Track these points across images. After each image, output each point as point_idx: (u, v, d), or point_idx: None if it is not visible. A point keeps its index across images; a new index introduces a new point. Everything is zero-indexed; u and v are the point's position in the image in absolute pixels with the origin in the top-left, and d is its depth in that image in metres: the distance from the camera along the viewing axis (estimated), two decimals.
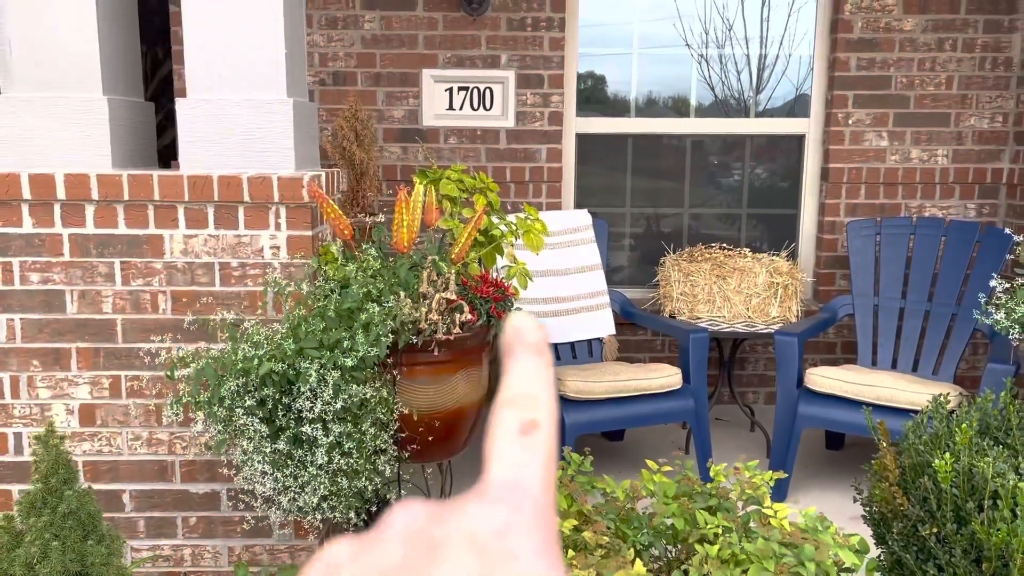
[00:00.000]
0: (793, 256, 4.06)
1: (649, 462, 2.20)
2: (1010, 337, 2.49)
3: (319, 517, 2.15)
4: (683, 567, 1.97)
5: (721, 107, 4.08)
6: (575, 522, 1.97)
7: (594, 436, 3.83)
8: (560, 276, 3.63)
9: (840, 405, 3.13)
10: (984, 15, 3.76)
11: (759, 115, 4.08)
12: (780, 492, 3.18)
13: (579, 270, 3.66)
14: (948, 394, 2.30)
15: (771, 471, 2.42)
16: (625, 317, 3.70)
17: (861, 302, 3.63)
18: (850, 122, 3.86)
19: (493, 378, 2.61)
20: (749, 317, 3.67)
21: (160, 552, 2.44)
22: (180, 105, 2.32)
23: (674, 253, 3.89)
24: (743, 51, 4.05)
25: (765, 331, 3.53)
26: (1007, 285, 2.54)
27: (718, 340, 3.75)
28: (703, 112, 4.07)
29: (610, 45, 4.06)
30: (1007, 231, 2.89)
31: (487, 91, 3.84)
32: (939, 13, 3.76)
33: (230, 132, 2.32)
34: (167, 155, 3.72)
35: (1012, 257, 3.03)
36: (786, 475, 2.33)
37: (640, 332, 4.06)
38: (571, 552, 1.91)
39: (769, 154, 4.13)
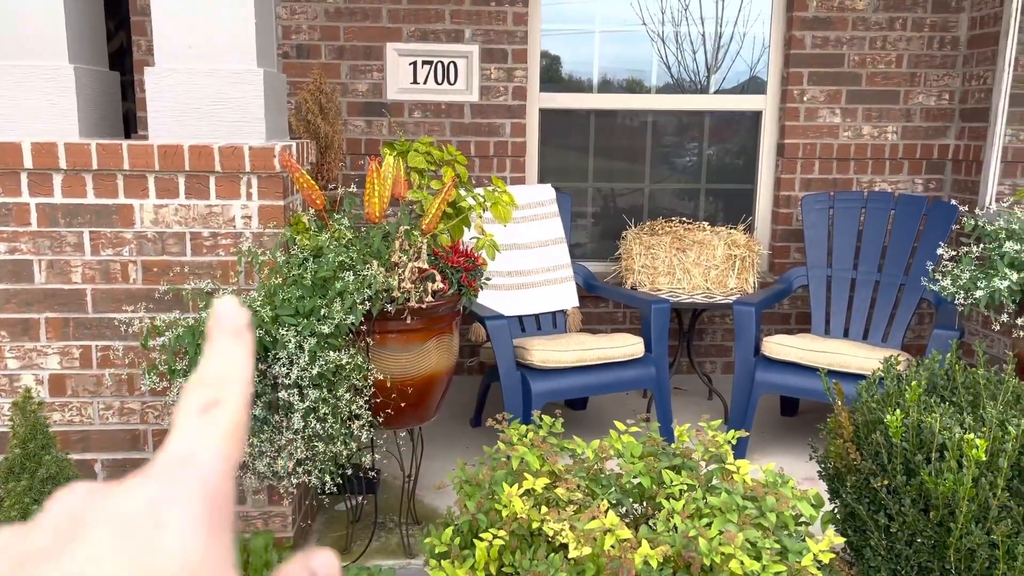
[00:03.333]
0: (750, 229, 4.17)
1: (617, 423, 2.28)
2: (955, 302, 2.62)
3: (294, 482, 2.19)
4: (650, 522, 2.06)
5: (678, 86, 4.16)
6: (546, 480, 2.04)
7: (558, 405, 3.91)
8: (525, 249, 3.69)
9: (795, 371, 3.26)
10: None
11: (719, 93, 4.17)
12: (739, 455, 3.30)
13: (543, 243, 3.72)
14: (898, 355, 2.42)
15: (739, 431, 2.52)
16: (588, 290, 3.78)
17: (815, 273, 3.75)
18: (805, 99, 3.97)
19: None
20: (708, 289, 3.78)
21: None
22: (148, 74, 2.31)
23: (635, 227, 3.97)
24: (699, 31, 4.12)
25: (724, 302, 3.64)
26: (953, 253, 2.67)
27: (678, 311, 3.85)
28: (661, 91, 4.15)
29: (572, 22, 4.11)
30: (952, 202, 3.02)
31: (451, 65, 3.86)
32: None
33: (200, 102, 2.32)
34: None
35: (957, 228, 3.17)
36: (747, 434, 2.43)
37: (602, 304, 4.15)
38: (544, 508, 1.98)
39: (727, 131, 4.23)
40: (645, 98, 4.12)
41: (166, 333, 2.11)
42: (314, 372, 2.07)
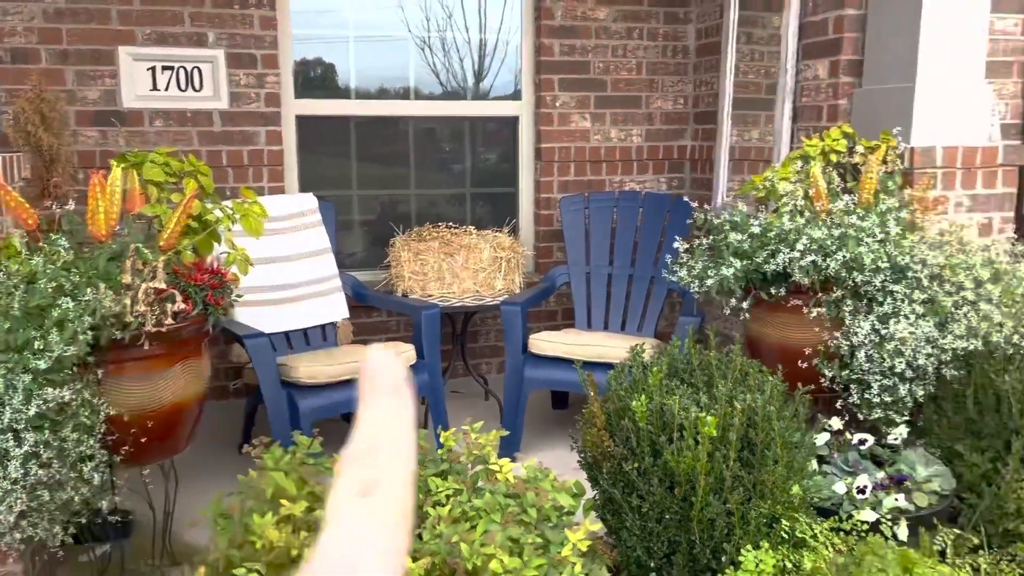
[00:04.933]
0: (515, 232, 4.29)
1: None
2: (691, 291, 2.83)
3: (18, 537, 1.94)
4: (417, 532, 2.04)
5: (451, 93, 4.19)
6: (306, 503, 1.96)
7: (334, 420, 3.80)
8: (288, 262, 3.54)
9: (561, 366, 3.38)
10: (663, 7, 4.20)
11: (494, 99, 4.25)
12: (512, 451, 3.37)
13: (308, 255, 3.60)
14: (644, 344, 2.57)
15: (501, 431, 2.56)
16: (358, 300, 3.70)
17: (575, 271, 3.93)
18: (557, 104, 4.14)
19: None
20: (477, 291, 3.83)
21: None
22: None
23: (404, 234, 3.95)
24: (464, 38, 4.18)
25: (492, 303, 3.70)
26: (687, 246, 2.88)
27: (450, 315, 3.88)
28: (429, 98, 4.16)
29: (329, 28, 4.01)
30: (686, 199, 3.28)
31: (195, 71, 3.63)
32: (626, 4, 4.14)
33: None
34: None
35: (691, 222, 3.44)
36: (508, 432, 2.47)
37: (375, 314, 4.09)
38: (303, 533, 1.90)
39: (489, 137, 4.32)
40: (405, 104, 4.11)
41: None
42: (31, 413, 1.85)
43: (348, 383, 3.12)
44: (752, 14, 3.93)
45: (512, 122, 4.26)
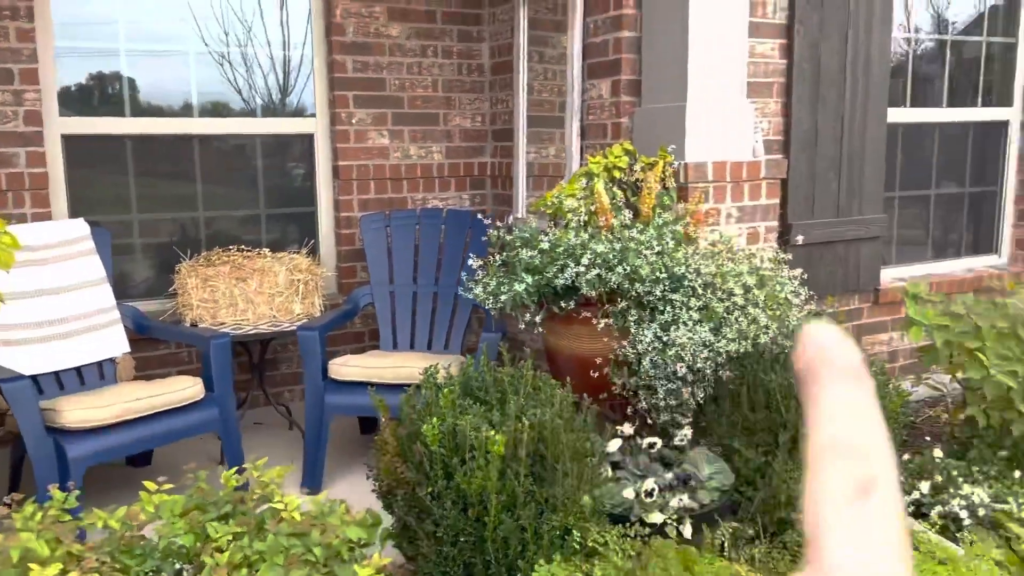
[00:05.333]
0: (314, 253, 4.15)
1: (147, 483, 2.06)
2: (486, 307, 2.84)
3: None
4: None
5: (243, 111, 3.99)
6: (60, 566, 1.76)
7: (115, 465, 3.50)
8: (56, 295, 3.23)
9: (363, 391, 3.27)
10: (457, 25, 4.23)
11: (291, 115, 4.08)
12: (315, 482, 3.24)
13: (79, 286, 3.29)
14: (438, 364, 2.55)
15: (303, 463, 2.43)
16: (140, 332, 3.43)
17: (379, 291, 3.85)
18: (353, 121, 4.06)
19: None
20: (274, 317, 3.67)
21: None
22: None
23: (191, 259, 3.71)
24: (267, 53, 4.00)
25: (290, 329, 3.55)
26: (481, 263, 2.89)
27: (245, 344, 3.68)
28: (223, 116, 3.94)
29: (105, 41, 3.71)
30: (480, 216, 3.30)
31: None
32: (419, 22, 4.13)
33: None
34: None
35: (485, 239, 3.48)
36: (292, 466, 2.35)
37: (163, 346, 3.81)
38: None
39: (284, 154, 4.16)
40: (189, 122, 3.87)
41: None
42: None
43: (124, 424, 2.87)
44: (543, 34, 4.04)
45: (308, 140, 4.13)
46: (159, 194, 3.89)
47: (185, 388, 3.02)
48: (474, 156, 4.39)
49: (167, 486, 2.06)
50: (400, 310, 3.85)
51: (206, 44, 3.89)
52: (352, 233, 4.14)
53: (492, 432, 2.05)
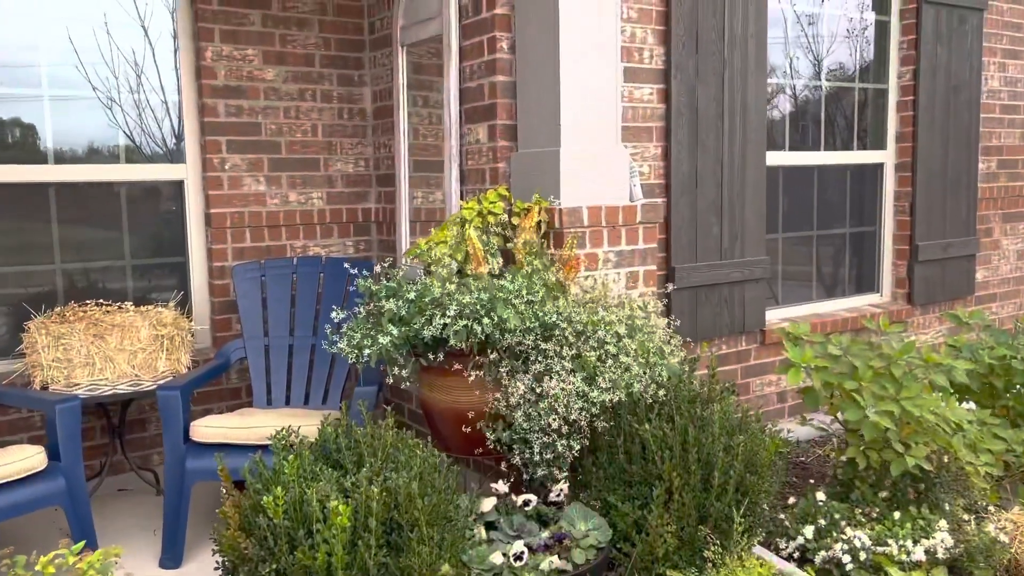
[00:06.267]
0: (182, 305, 3.92)
1: None
2: (350, 361, 2.69)
3: None
4: None
5: (115, 155, 3.77)
6: None
7: None
8: None
9: (229, 453, 3.06)
10: (337, 69, 4.12)
11: (160, 161, 3.86)
12: (175, 556, 3.00)
13: None
14: (291, 426, 2.38)
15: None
16: None
17: (252, 344, 3.65)
18: (227, 167, 3.88)
19: None
20: (136, 375, 3.42)
21: None
22: None
23: (42, 315, 3.44)
24: (133, 96, 3.80)
25: (151, 388, 3.32)
26: (344, 315, 2.75)
27: (104, 405, 3.42)
28: (95, 160, 3.70)
29: None
30: (346, 265, 3.16)
31: None
32: (296, 66, 4.01)
33: None
34: None
35: (353, 288, 3.34)
36: (119, 554, 2.09)
37: (13, 411, 3.50)
38: None
39: (153, 200, 3.94)
40: (40, 169, 3.61)
41: None
42: None
43: None
44: (427, 78, 3.97)
45: (178, 186, 3.92)
46: (11, 245, 3.61)
47: (22, 459, 2.75)
48: (358, 202, 4.26)
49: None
50: (275, 364, 3.65)
51: (97, 80, 3.67)
52: (226, 284, 3.93)
53: (335, 503, 1.89)
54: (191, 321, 3.66)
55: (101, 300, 3.63)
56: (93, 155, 3.75)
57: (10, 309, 3.63)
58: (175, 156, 3.92)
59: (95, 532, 2.95)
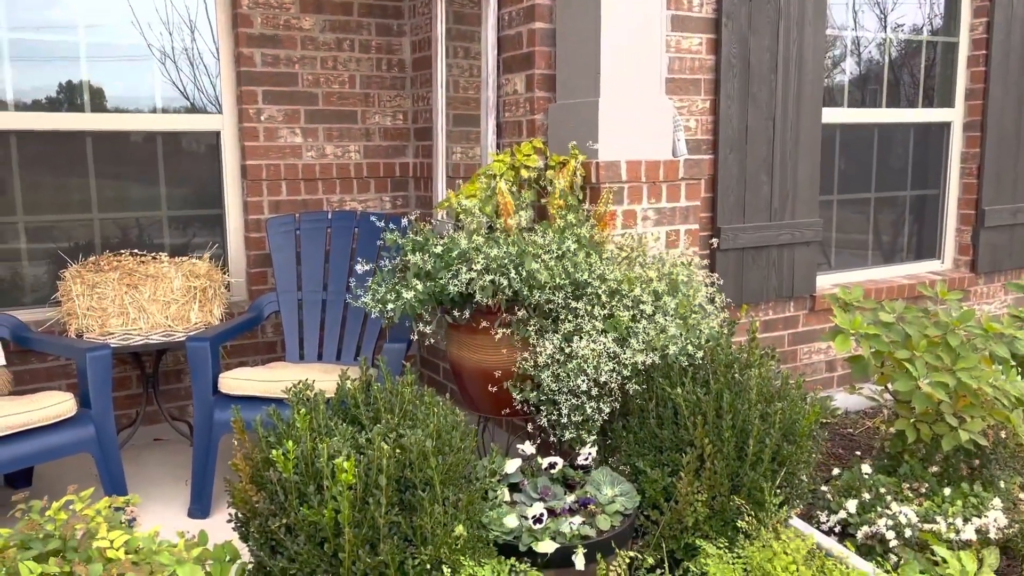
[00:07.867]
0: (217, 258, 3.90)
1: None
2: (374, 316, 2.62)
3: None
4: None
5: (152, 106, 3.74)
6: None
7: None
8: None
9: (256, 406, 3.04)
10: (375, 18, 4.02)
11: (196, 111, 3.83)
12: (203, 507, 3.00)
13: None
14: (307, 380, 2.32)
15: (123, 496, 2.20)
16: (21, 344, 3.17)
17: (286, 298, 3.62)
18: (263, 118, 3.82)
19: None
20: (169, 326, 3.42)
21: None
22: None
23: (78, 264, 3.45)
24: (168, 45, 3.77)
25: (182, 339, 3.31)
26: (368, 267, 2.67)
27: (138, 355, 3.43)
28: (131, 109, 3.69)
29: None
30: (373, 219, 3.08)
31: None
32: (334, 14, 3.91)
33: None
34: None
35: (381, 242, 3.26)
36: (123, 500, 2.07)
37: (49, 359, 3.54)
38: None
39: (189, 152, 3.91)
40: (78, 118, 3.60)
41: None
42: None
43: (6, 439, 2.61)
44: (468, 28, 3.83)
45: (214, 137, 3.89)
46: (48, 195, 3.62)
47: (53, 404, 2.76)
48: (395, 156, 4.17)
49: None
50: (308, 319, 3.61)
51: (144, 33, 3.64)
52: (262, 237, 3.90)
53: (339, 460, 1.83)
54: (226, 274, 3.64)
55: (135, 251, 3.63)
56: (129, 104, 3.73)
57: (49, 259, 3.65)
58: (211, 107, 3.87)
59: (124, 480, 2.96)
